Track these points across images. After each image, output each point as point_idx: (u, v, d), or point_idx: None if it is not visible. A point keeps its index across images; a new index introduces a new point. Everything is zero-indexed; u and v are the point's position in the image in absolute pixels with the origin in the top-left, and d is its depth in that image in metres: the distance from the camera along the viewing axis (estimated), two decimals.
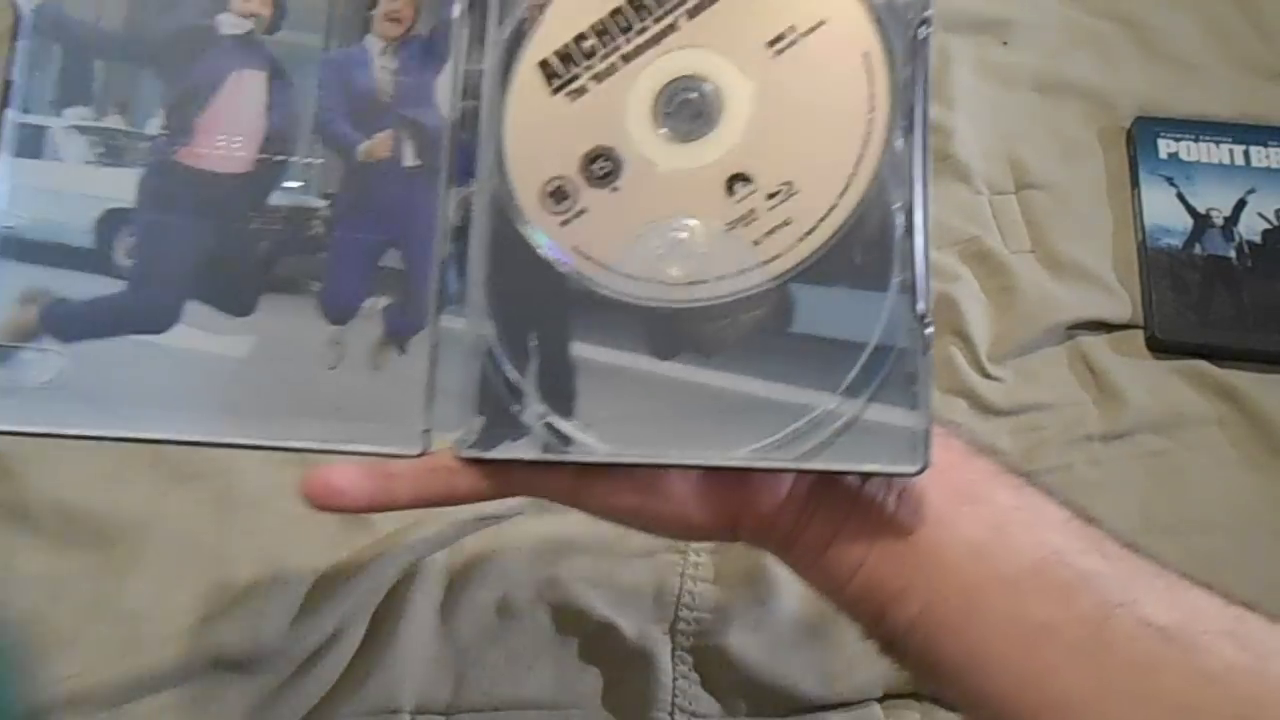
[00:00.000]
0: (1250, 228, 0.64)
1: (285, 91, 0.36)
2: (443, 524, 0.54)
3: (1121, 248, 0.64)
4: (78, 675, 0.50)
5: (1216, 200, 0.64)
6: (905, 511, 0.34)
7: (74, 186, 0.35)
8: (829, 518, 0.35)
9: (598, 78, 0.36)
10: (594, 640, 0.53)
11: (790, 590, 0.53)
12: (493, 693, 0.52)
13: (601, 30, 0.36)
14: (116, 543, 0.54)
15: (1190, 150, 0.66)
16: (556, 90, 0.36)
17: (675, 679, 0.52)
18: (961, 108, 0.68)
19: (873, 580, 0.34)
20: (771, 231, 0.34)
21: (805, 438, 0.33)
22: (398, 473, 0.36)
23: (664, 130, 0.35)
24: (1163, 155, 0.66)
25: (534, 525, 0.55)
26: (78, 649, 0.51)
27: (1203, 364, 0.61)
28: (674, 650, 0.52)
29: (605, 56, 0.36)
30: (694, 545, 0.54)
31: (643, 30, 0.36)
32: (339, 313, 0.36)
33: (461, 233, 0.36)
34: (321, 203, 0.36)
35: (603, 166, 0.35)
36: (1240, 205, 0.64)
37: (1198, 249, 0.63)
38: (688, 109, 0.35)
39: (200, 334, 0.35)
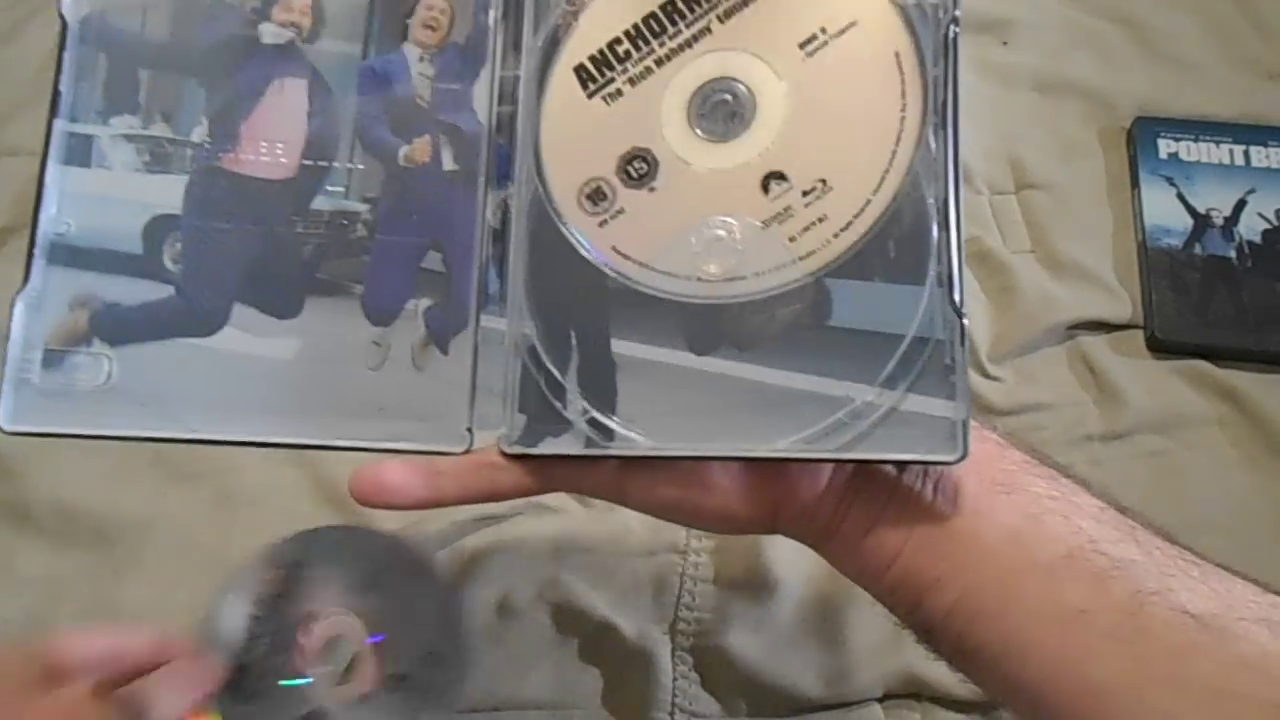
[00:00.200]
0: (1250, 228, 0.64)
1: (326, 99, 0.38)
2: (443, 524, 0.54)
3: (1121, 248, 0.65)
4: None
5: (1216, 200, 0.65)
6: (942, 500, 0.35)
7: (122, 193, 0.36)
8: (867, 507, 0.36)
9: (632, 81, 0.37)
10: (594, 640, 0.54)
11: (790, 591, 0.54)
12: (493, 692, 0.52)
13: (636, 35, 0.37)
14: (116, 543, 0.54)
15: (1190, 150, 0.67)
16: (592, 94, 0.37)
17: (675, 679, 0.53)
18: (962, 108, 0.68)
19: (910, 568, 0.35)
20: (807, 228, 0.35)
21: (845, 429, 0.34)
22: (444, 470, 0.37)
23: (699, 131, 0.37)
24: (1163, 155, 0.66)
25: (534, 525, 0.55)
26: None
27: (1203, 364, 0.62)
28: (674, 650, 0.53)
29: (640, 60, 0.37)
30: (694, 545, 0.55)
31: (676, 34, 0.37)
32: (382, 314, 0.37)
33: (501, 234, 0.37)
34: (363, 207, 0.37)
35: (639, 167, 0.37)
36: (1240, 205, 0.65)
37: (1198, 249, 0.64)
38: (722, 110, 0.36)
39: (247, 337, 0.36)
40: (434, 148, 0.38)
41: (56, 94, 0.36)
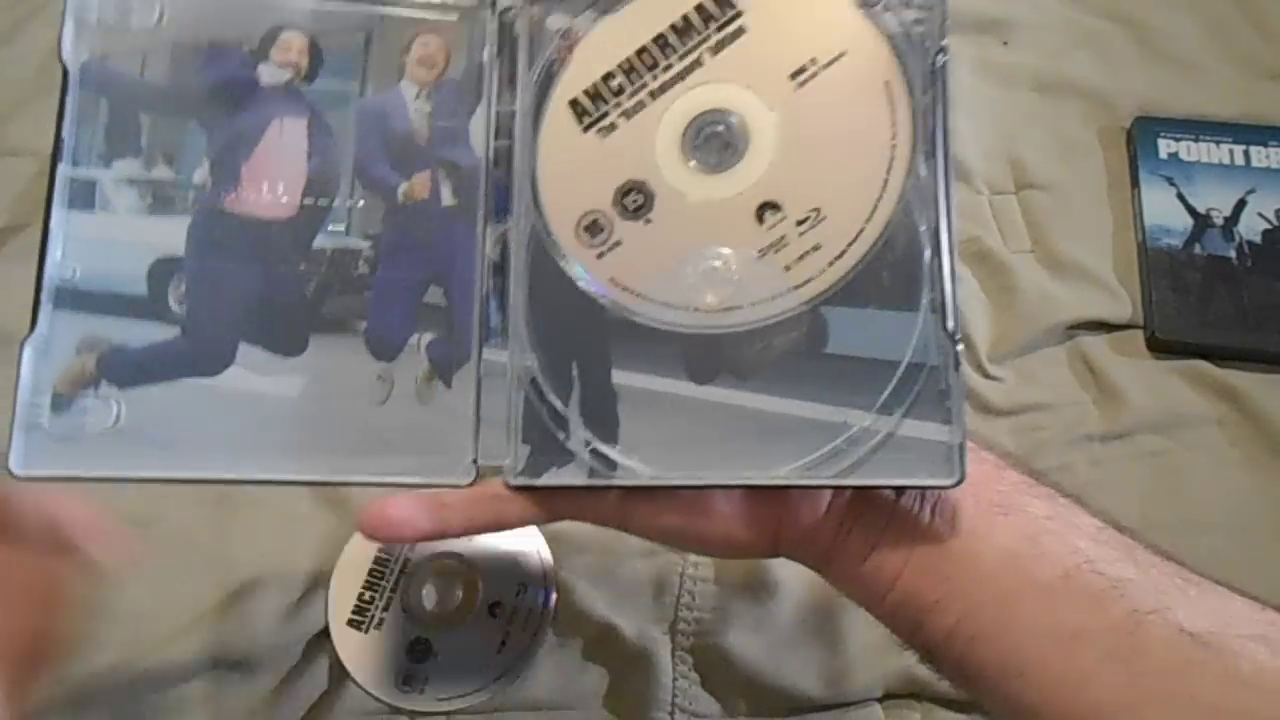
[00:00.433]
0: (1250, 228, 0.64)
1: (325, 137, 0.38)
2: None
3: (1121, 248, 0.65)
4: (77, 675, 0.51)
5: (1216, 200, 0.65)
6: (940, 523, 0.36)
7: (126, 237, 0.37)
8: (867, 531, 0.36)
9: (627, 114, 0.37)
10: (594, 640, 0.54)
11: (790, 591, 0.54)
12: (493, 692, 0.53)
13: (629, 69, 0.37)
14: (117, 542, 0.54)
15: (1190, 150, 0.67)
16: (587, 128, 0.37)
17: (675, 679, 0.53)
18: (961, 108, 0.68)
19: (910, 591, 0.36)
20: (802, 257, 0.36)
21: (843, 455, 0.35)
22: (450, 503, 0.37)
23: (693, 163, 0.37)
24: (1163, 155, 0.66)
25: (534, 525, 0.55)
26: (78, 649, 0.51)
27: (1203, 364, 0.62)
28: (674, 650, 0.53)
29: (633, 94, 0.37)
30: None
31: (668, 67, 0.37)
32: (386, 350, 0.37)
33: (501, 268, 0.37)
34: (364, 244, 0.38)
35: (635, 200, 0.37)
36: (1240, 205, 0.65)
37: (1198, 249, 0.64)
38: (716, 141, 0.37)
39: (253, 376, 0.37)
40: (433, 183, 0.38)
41: (59, 140, 0.36)
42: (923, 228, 0.35)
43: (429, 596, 0.54)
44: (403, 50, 0.39)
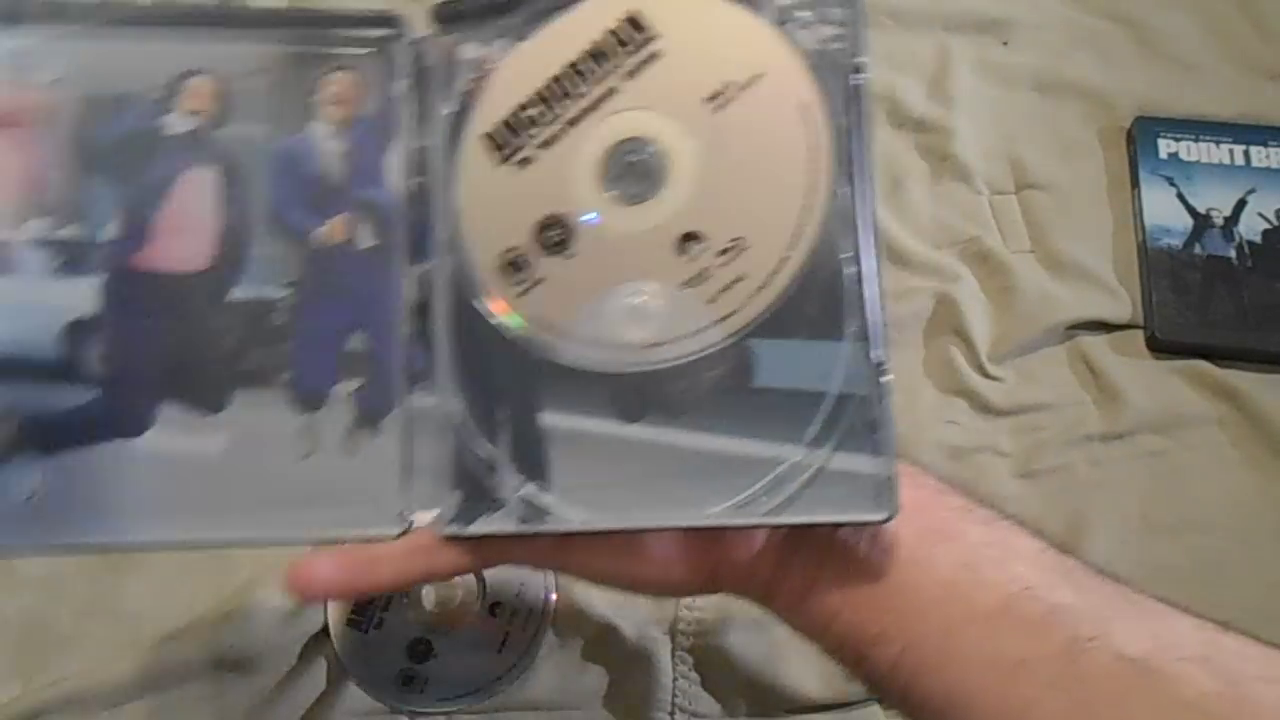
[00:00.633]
0: (1250, 228, 0.62)
1: (237, 185, 0.35)
2: None
3: (1121, 248, 0.62)
4: (78, 675, 0.50)
5: (1216, 200, 0.62)
6: (878, 554, 0.34)
7: (38, 299, 0.35)
8: (805, 565, 0.35)
9: (544, 145, 0.35)
10: (594, 640, 0.52)
11: None
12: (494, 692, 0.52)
13: (543, 98, 0.35)
14: None
15: (1190, 150, 0.63)
16: (504, 160, 0.35)
17: (675, 679, 0.51)
18: (961, 108, 0.66)
19: (852, 624, 0.34)
20: (726, 288, 0.34)
21: (774, 492, 0.33)
22: (379, 556, 0.35)
23: (612, 194, 0.35)
24: (1163, 155, 0.63)
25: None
26: (78, 649, 0.51)
27: (1203, 364, 0.59)
28: (674, 650, 0.52)
29: (549, 124, 0.35)
30: None
31: (583, 95, 0.35)
32: (310, 400, 0.35)
33: (424, 309, 0.35)
34: (283, 292, 0.35)
35: (555, 234, 0.35)
36: (1240, 205, 0.62)
37: (1198, 249, 0.61)
38: (634, 171, 0.35)
39: (175, 435, 0.35)
40: (350, 226, 0.36)
41: None
42: (845, 255, 0.33)
43: (429, 596, 0.52)
44: (310, 90, 0.36)
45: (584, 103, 0.35)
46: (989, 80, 0.68)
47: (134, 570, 0.53)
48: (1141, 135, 0.64)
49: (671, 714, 0.51)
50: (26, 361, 0.35)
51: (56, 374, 0.35)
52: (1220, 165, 0.64)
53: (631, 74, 0.34)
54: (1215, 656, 0.32)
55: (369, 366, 0.35)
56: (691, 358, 0.34)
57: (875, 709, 0.51)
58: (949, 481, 0.36)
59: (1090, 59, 0.69)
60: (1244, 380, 0.59)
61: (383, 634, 0.51)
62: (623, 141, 0.35)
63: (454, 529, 0.34)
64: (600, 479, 0.34)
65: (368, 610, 0.52)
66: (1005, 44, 0.69)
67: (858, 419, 0.33)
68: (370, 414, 0.35)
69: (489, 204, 0.35)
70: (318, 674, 0.51)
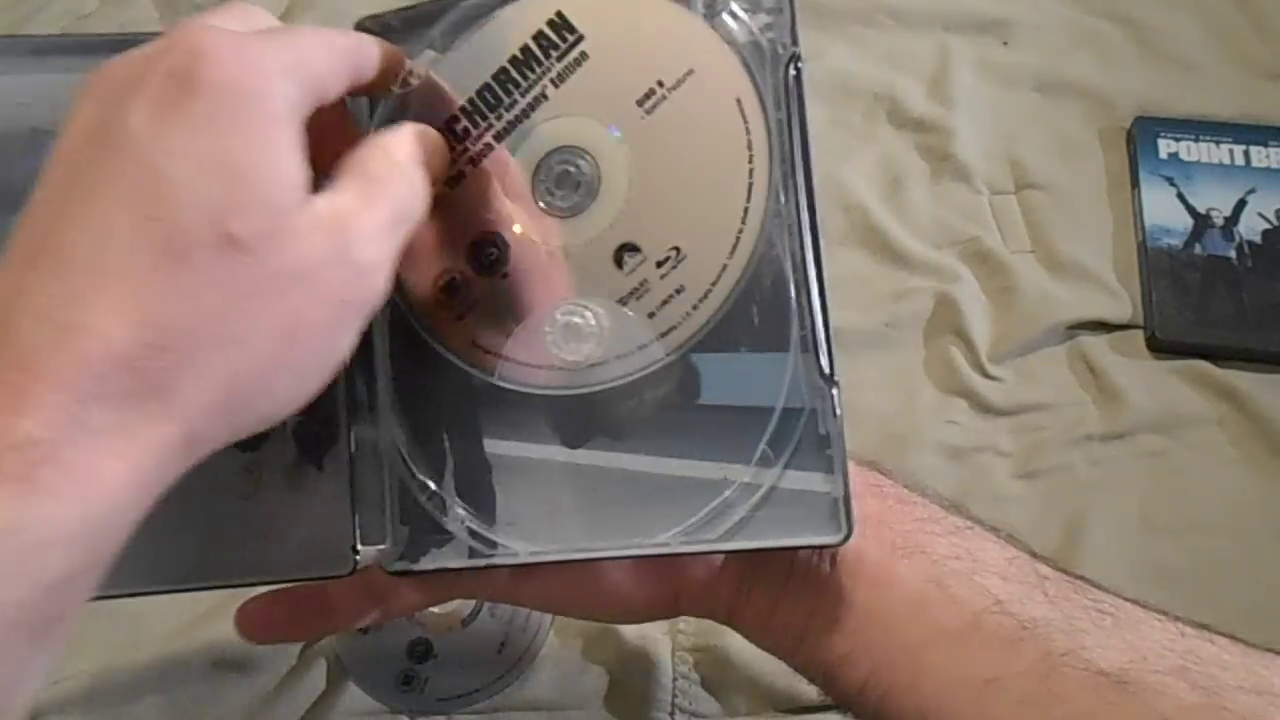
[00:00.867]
0: (1250, 228, 0.61)
1: None
2: None
3: (1121, 248, 0.62)
4: (78, 675, 0.50)
5: (1216, 200, 0.62)
6: (842, 574, 0.33)
7: None
8: (768, 586, 0.34)
9: (474, 161, 0.33)
10: (594, 640, 0.52)
11: None
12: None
13: (472, 110, 0.33)
14: None
15: (1190, 150, 0.63)
16: None
17: (675, 679, 0.51)
18: (961, 108, 0.66)
19: (819, 645, 0.33)
20: (666, 301, 0.32)
21: (725, 515, 0.31)
22: (331, 594, 0.35)
23: (546, 206, 0.33)
24: (1163, 155, 0.63)
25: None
26: (78, 649, 0.51)
27: (1203, 364, 0.59)
28: (674, 650, 0.52)
29: (479, 138, 0.33)
30: None
31: (512, 105, 0.33)
32: (249, 438, 0.35)
33: (364, 339, 0.32)
34: None
35: (490, 254, 0.33)
36: (1240, 205, 0.62)
37: (1198, 249, 0.61)
38: (567, 182, 0.33)
39: None
40: None
41: None
42: (788, 259, 0.31)
43: None
44: None
45: (512, 113, 0.33)
46: (989, 80, 0.68)
47: None
48: (1141, 135, 0.64)
49: (671, 714, 0.50)
50: None
51: None
52: (1220, 165, 0.64)
53: (560, 78, 0.33)
54: (1193, 667, 0.31)
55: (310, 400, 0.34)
56: (634, 376, 0.32)
57: None
58: (915, 486, 0.35)
59: (1090, 59, 0.68)
60: (1244, 380, 0.58)
61: (383, 634, 0.51)
62: (553, 151, 0.33)
63: (403, 565, 0.33)
64: (547, 508, 0.33)
65: None
66: (1005, 44, 0.69)
67: (809, 434, 0.31)
68: (313, 449, 0.34)
69: (422, 226, 0.33)
70: (318, 674, 0.51)
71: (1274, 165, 0.63)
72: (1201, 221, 0.62)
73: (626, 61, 0.33)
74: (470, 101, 0.33)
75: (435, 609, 0.52)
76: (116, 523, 0.23)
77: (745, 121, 0.32)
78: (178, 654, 0.51)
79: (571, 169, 0.33)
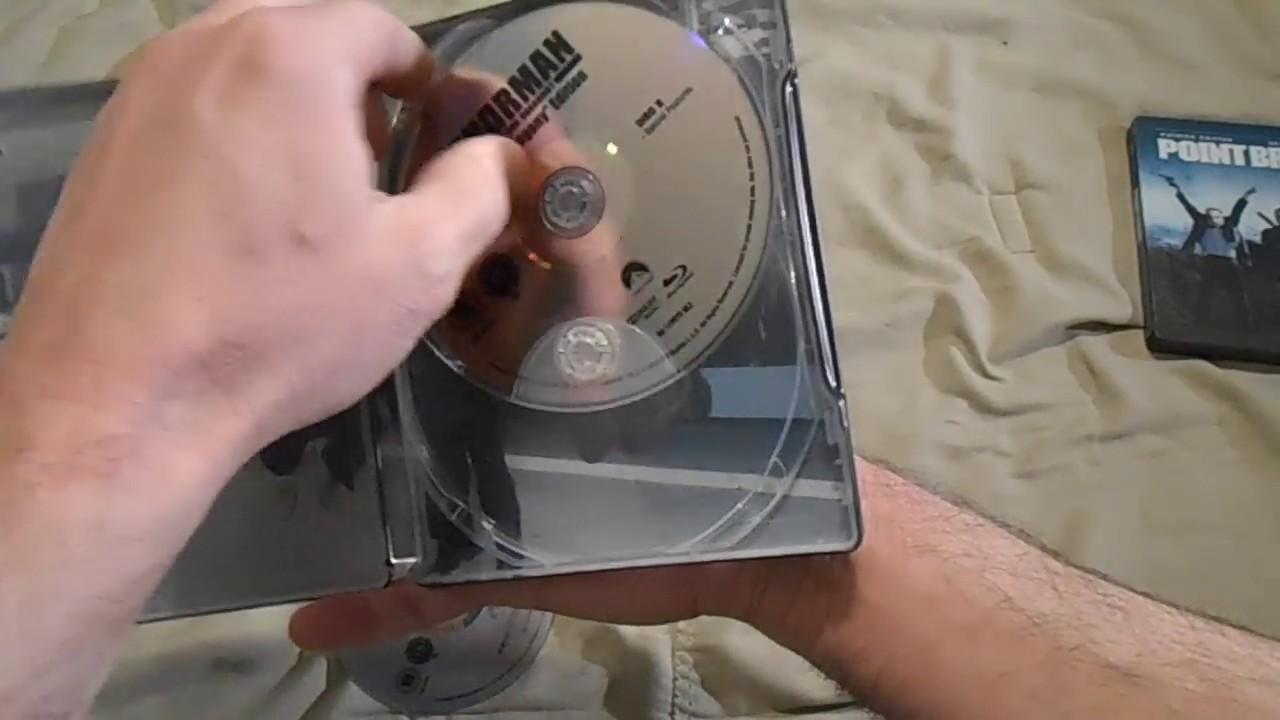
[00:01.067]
0: (1250, 228, 0.61)
1: None
2: None
3: (1121, 248, 0.62)
4: None
5: (1216, 200, 0.62)
6: (855, 572, 0.34)
7: None
8: (783, 588, 0.35)
9: None
10: (594, 641, 0.52)
11: None
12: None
13: (473, 131, 0.33)
14: None
15: (1190, 150, 0.63)
16: None
17: (675, 679, 0.51)
18: (961, 108, 0.66)
19: (834, 642, 0.34)
20: (674, 319, 0.33)
21: (740, 524, 0.32)
22: (371, 605, 0.36)
23: (553, 227, 0.33)
24: (1163, 155, 0.63)
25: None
26: None
27: (1203, 364, 0.59)
28: (674, 650, 0.52)
29: None
30: None
31: (514, 125, 0.33)
32: (283, 461, 0.35)
33: None
34: None
35: (500, 275, 0.34)
36: (1240, 205, 0.62)
37: (1198, 249, 0.61)
38: (572, 202, 0.33)
39: None
40: None
41: None
42: (791, 274, 0.32)
43: None
44: None
45: (515, 134, 0.33)
46: (989, 80, 0.68)
47: None
48: (1141, 135, 0.64)
49: (671, 714, 0.50)
50: None
51: None
52: (1220, 165, 0.64)
53: (558, 100, 0.33)
54: (1202, 659, 0.31)
55: (336, 422, 0.32)
56: (647, 392, 0.33)
57: None
58: (926, 484, 0.36)
59: (1090, 59, 0.69)
60: (1244, 380, 0.59)
61: None
62: (558, 172, 0.33)
63: (434, 577, 0.34)
64: (570, 520, 0.33)
65: None
66: (1005, 44, 0.69)
67: (818, 444, 0.32)
68: (343, 469, 0.35)
69: None
70: (318, 674, 0.51)
71: (1274, 165, 0.64)
72: (1201, 221, 0.62)
73: (625, 81, 0.33)
74: (472, 122, 0.34)
75: None
76: (190, 516, 0.24)
77: (745, 139, 0.32)
78: (178, 654, 0.51)
79: (575, 189, 0.33)
